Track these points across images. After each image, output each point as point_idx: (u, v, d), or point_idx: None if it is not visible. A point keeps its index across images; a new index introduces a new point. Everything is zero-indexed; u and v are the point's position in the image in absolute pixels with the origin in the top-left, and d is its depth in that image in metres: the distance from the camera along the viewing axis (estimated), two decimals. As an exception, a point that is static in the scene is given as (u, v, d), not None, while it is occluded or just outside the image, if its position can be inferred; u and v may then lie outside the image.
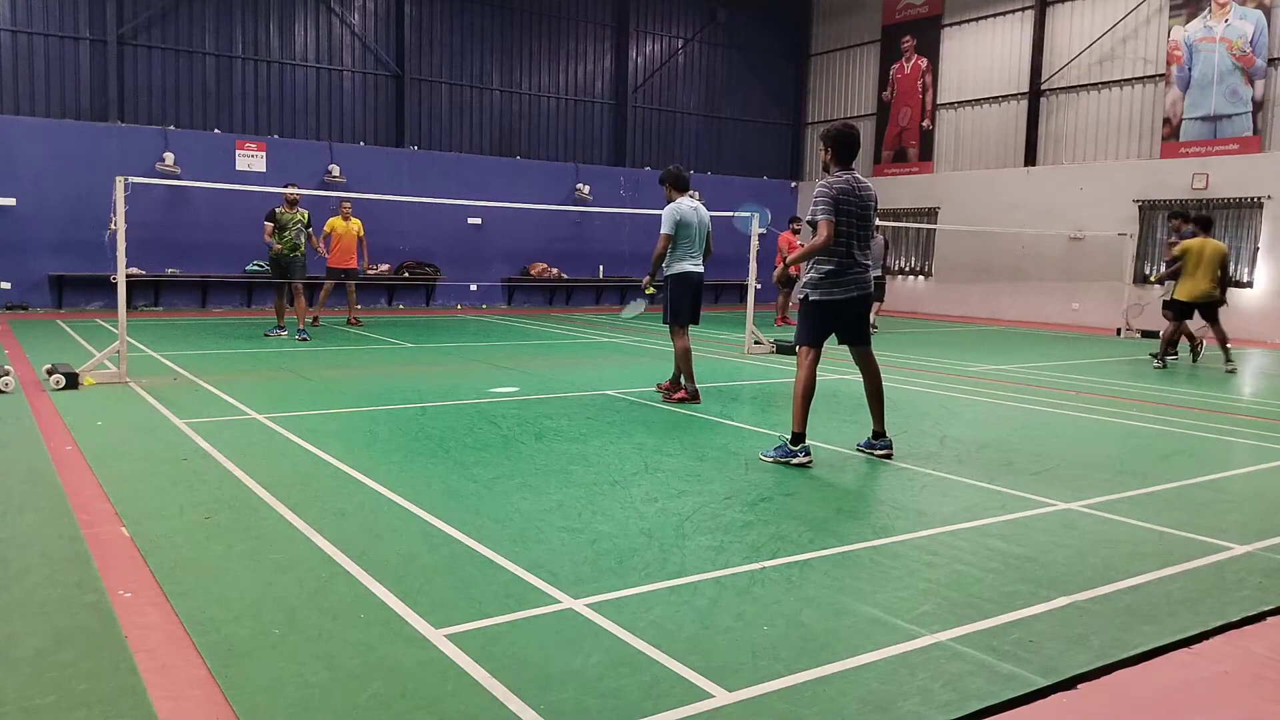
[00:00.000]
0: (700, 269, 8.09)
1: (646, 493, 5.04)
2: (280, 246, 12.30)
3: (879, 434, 6.18)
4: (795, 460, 5.72)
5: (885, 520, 4.67)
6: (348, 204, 14.56)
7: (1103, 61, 19.07)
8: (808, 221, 5.90)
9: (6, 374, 7.70)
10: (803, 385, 5.82)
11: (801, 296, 5.96)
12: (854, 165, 5.97)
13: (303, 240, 12.45)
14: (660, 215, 8.03)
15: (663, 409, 7.74)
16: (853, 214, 5.79)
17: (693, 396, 8.06)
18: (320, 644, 3.07)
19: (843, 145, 5.89)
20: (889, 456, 6.07)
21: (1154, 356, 12.07)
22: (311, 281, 13.48)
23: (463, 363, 10.86)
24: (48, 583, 3.56)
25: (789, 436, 5.85)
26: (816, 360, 5.90)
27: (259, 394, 7.97)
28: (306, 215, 12.58)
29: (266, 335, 12.64)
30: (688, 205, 7.95)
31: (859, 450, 6.22)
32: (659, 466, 5.66)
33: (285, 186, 12.60)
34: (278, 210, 12.39)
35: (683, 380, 8.15)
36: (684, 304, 8.05)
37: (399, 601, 3.42)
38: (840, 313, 5.91)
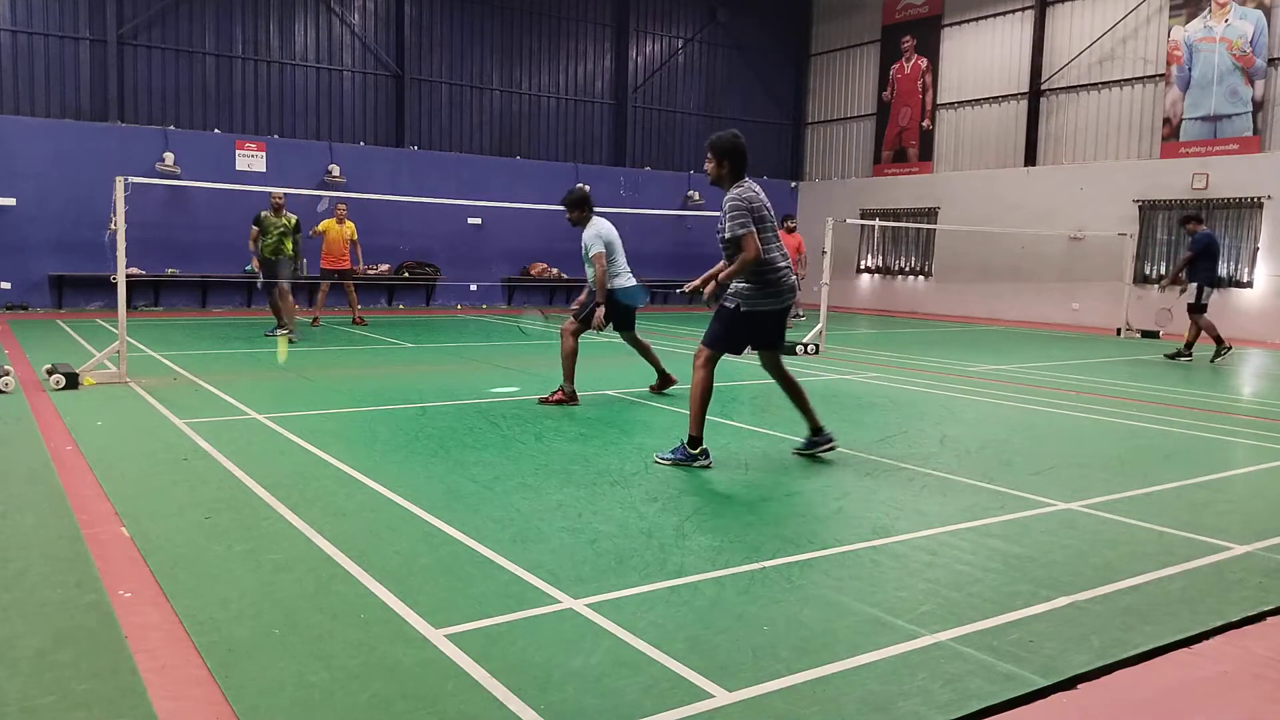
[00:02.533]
0: (634, 282, 8.25)
1: (646, 493, 5.04)
2: (263, 250, 12.42)
3: (817, 429, 5.97)
4: (697, 464, 5.59)
5: (885, 520, 4.67)
6: (343, 206, 14.55)
7: (1103, 61, 19.07)
8: (728, 238, 5.58)
9: (6, 374, 7.70)
10: (701, 388, 5.64)
11: (732, 305, 5.68)
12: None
13: (287, 244, 12.46)
14: (588, 238, 8.08)
15: (663, 409, 7.73)
16: (767, 220, 5.66)
17: (570, 398, 7.91)
18: (320, 644, 3.07)
19: (739, 156, 5.72)
20: (832, 448, 5.96)
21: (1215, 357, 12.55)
22: (303, 282, 13.49)
23: (463, 363, 10.86)
24: (48, 583, 3.56)
25: (687, 439, 5.66)
26: (716, 363, 5.74)
27: (259, 394, 7.96)
28: (294, 220, 12.58)
29: (267, 335, 12.62)
30: (607, 224, 8.10)
31: (799, 454, 5.99)
32: (659, 466, 5.66)
33: (272, 192, 12.61)
34: (263, 214, 12.51)
35: (563, 382, 8.00)
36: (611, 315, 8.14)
37: (399, 601, 3.42)
38: (766, 322, 5.75)
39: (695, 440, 5.64)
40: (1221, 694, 2.98)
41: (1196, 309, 12.53)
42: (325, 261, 14.44)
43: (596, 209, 8.29)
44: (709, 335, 5.78)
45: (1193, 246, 12.53)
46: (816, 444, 5.96)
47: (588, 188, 8.39)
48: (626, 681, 2.85)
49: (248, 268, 17.58)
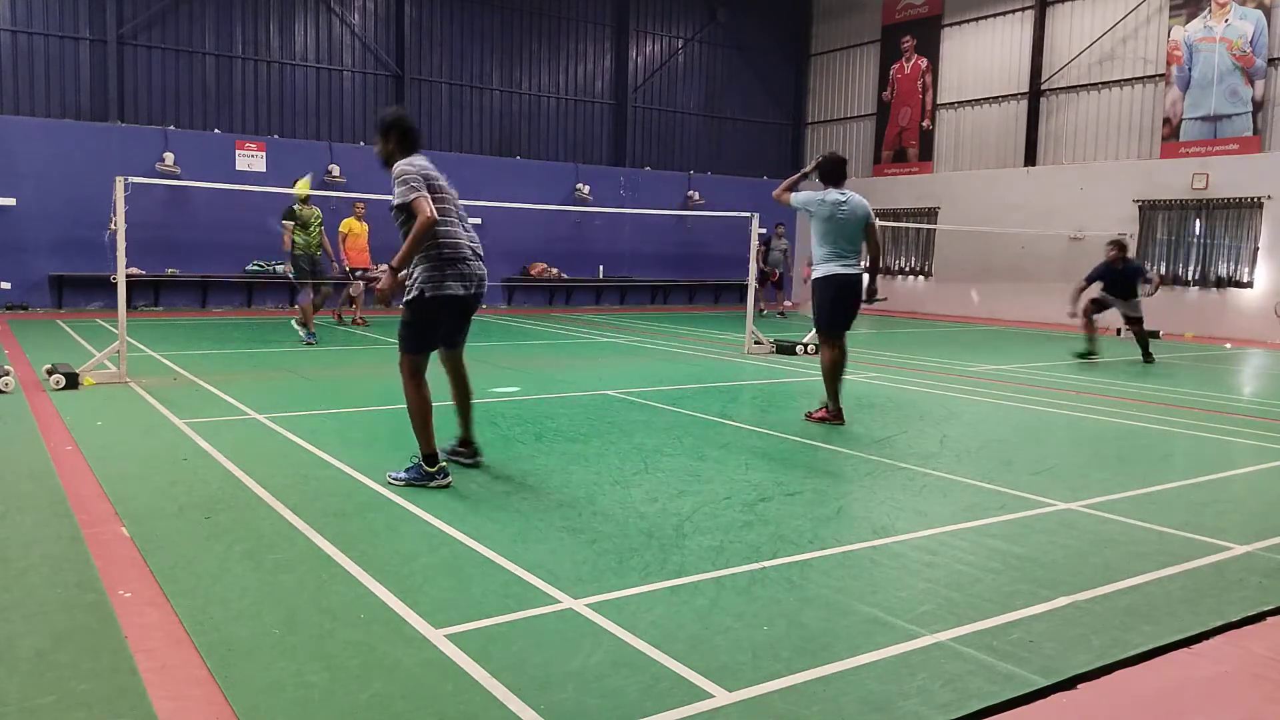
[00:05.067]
0: (853, 269, 7.27)
1: (646, 493, 5.04)
2: (308, 243, 11.79)
3: (466, 441, 5.52)
4: (434, 483, 5.02)
5: (885, 520, 4.67)
6: (361, 205, 14.59)
7: (1103, 61, 19.07)
8: (397, 205, 4.96)
9: (6, 374, 7.70)
10: (417, 404, 5.06)
11: (412, 296, 5.06)
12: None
13: (325, 238, 12.07)
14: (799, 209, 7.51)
15: (663, 409, 7.73)
16: (446, 198, 5.13)
17: (833, 416, 7.27)
18: (320, 644, 3.07)
19: (403, 130, 5.18)
20: (477, 465, 5.49)
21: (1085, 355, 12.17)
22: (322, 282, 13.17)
23: (463, 363, 10.83)
24: (48, 583, 3.56)
25: (421, 456, 5.07)
26: (424, 369, 5.16)
27: (259, 394, 7.96)
28: (319, 212, 12.13)
29: (309, 344, 11.74)
30: (822, 194, 7.29)
31: (446, 456, 5.32)
32: (659, 466, 5.66)
33: (295, 184, 12.32)
34: (295, 208, 11.83)
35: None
36: (825, 309, 7.35)
37: (399, 601, 3.42)
38: (463, 311, 5.23)
39: (430, 458, 5.05)
40: (1221, 694, 2.99)
41: (1093, 309, 12.26)
42: (352, 260, 14.46)
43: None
44: (403, 339, 5.15)
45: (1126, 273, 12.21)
46: (459, 453, 5.49)
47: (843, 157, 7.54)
48: (626, 681, 2.85)
49: (249, 267, 17.60)
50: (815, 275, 7.40)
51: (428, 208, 4.84)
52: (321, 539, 4.11)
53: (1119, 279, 12.28)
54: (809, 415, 7.42)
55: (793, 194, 7.61)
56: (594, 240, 21.53)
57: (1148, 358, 12.24)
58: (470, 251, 5.18)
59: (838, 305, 7.28)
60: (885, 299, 7.62)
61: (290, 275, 12.34)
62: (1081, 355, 12.26)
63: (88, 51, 17.02)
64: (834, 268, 7.25)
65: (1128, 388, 9.87)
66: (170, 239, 16.94)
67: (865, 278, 7.45)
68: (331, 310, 15.15)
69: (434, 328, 5.16)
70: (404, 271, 4.99)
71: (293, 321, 12.67)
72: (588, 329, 15.59)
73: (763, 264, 19.56)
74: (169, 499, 4.71)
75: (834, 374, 7.29)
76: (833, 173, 7.37)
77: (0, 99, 16.32)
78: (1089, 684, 2.98)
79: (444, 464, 5.12)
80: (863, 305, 7.42)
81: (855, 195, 7.32)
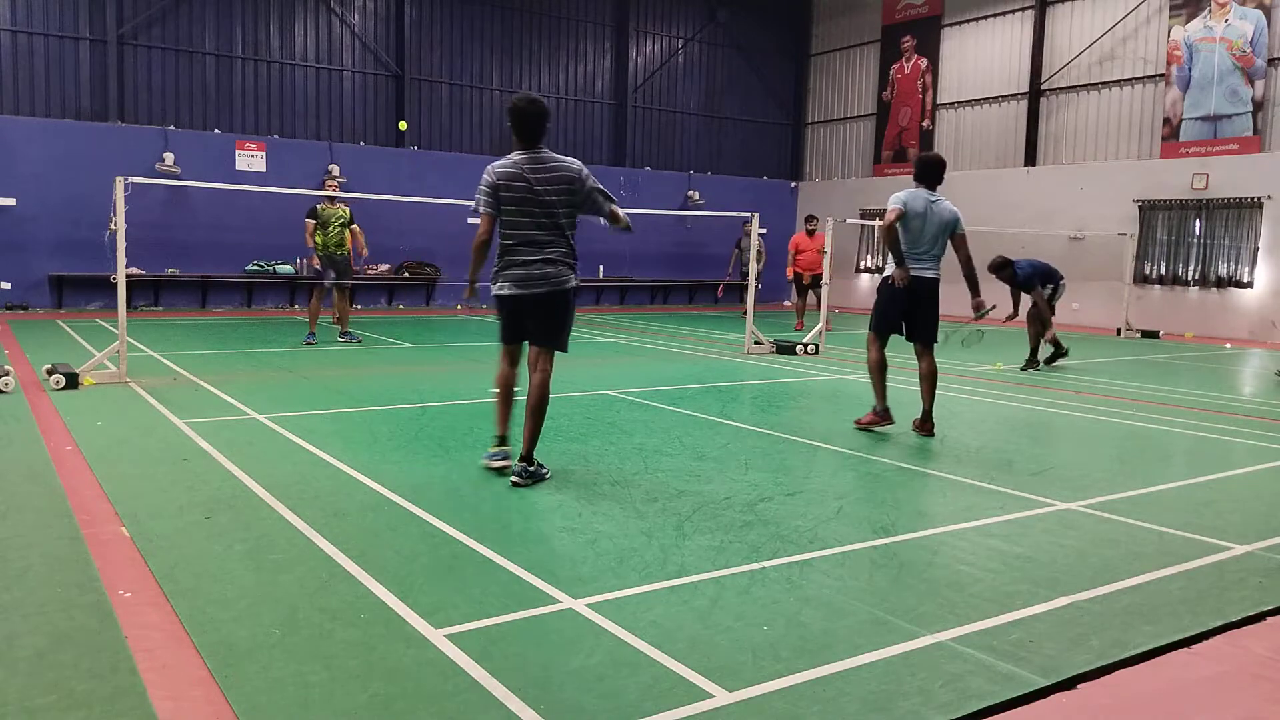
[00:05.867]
0: (928, 273, 6.92)
1: (646, 493, 5.04)
2: (326, 243, 11.76)
3: (526, 456, 5.24)
4: (486, 461, 5.42)
5: (885, 520, 4.67)
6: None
7: (1103, 61, 19.07)
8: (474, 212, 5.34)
9: (6, 374, 7.70)
10: (499, 385, 5.49)
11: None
12: (542, 144, 5.25)
13: (346, 237, 11.93)
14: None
15: (664, 409, 7.73)
16: (525, 200, 5.16)
17: (881, 417, 7.03)
18: (320, 644, 3.07)
19: (520, 121, 5.21)
20: (513, 476, 5.19)
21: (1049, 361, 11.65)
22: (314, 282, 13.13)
23: (463, 363, 10.85)
24: (48, 583, 3.56)
25: (523, 451, 5.24)
26: (506, 357, 5.52)
27: (259, 394, 7.96)
28: (349, 212, 12.06)
29: (309, 344, 11.80)
30: (911, 192, 6.91)
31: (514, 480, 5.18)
32: (659, 466, 5.66)
33: (325, 181, 12.23)
34: (319, 206, 11.83)
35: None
36: (879, 307, 7.17)
37: (399, 601, 3.42)
38: (518, 309, 5.34)
39: (497, 440, 5.45)
40: (1221, 694, 2.99)
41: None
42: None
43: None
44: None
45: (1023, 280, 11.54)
46: (523, 471, 5.19)
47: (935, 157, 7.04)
48: (626, 681, 2.85)
49: (249, 267, 17.59)
50: (884, 274, 7.14)
51: (481, 228, 5.34)
52: (321, 539, 4.11)
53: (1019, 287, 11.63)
54: (858, 421, 7.14)
55: (890, 202, 6.93)
56: (594, 240, 21.49)
57: (1030, 363, 11.48)
58: (524, 254, 5.27)
59: (892, 305, 7.03)
60: (987, 310, 7.51)
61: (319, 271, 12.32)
62: (1050, 360, 11.66)
63: (88, 51, 17.01)
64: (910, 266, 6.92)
65: (1128, 388, 9.87)
66: (170, 239, 16.95)
67: (938, 283, 7.07)
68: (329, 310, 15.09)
69: (503, 320, 5.53)
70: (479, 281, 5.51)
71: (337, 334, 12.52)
72: (587, 329, 15.58)
73: (735, 266, 20.03)
74: (169, 499, 4.71)
75: (879, 373, 7.11)
76: (925, 173, 6.95)
77: (0, 99, 16.32)
78: (1089, 684, 2.98)
79: (503, 448, 5.41)
80: (974, 318, 7.38)
81: (946, 201, 6.96)
